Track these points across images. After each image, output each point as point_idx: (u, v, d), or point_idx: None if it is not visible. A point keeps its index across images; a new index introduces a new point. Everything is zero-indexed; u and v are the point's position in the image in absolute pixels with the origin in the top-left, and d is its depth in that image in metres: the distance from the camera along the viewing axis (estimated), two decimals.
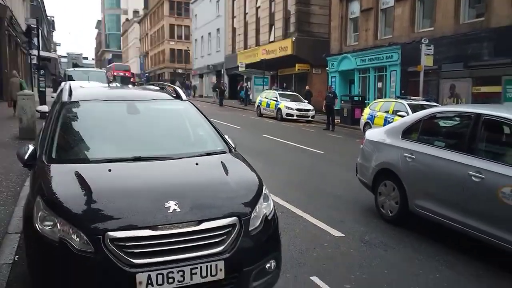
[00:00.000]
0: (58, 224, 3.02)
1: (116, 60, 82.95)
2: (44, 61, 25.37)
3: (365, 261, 4.88)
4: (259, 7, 39.61)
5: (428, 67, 19.34)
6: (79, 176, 3.40)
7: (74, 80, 16.87)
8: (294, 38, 32.22)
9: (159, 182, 3.50)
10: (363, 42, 26.82)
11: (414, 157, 5.94)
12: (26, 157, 3.91)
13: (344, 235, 5.69)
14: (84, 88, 5.14)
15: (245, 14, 42.97)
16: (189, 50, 64.76)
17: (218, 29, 50.60)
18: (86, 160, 3.77)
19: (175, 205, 3.17)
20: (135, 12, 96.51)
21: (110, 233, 2.95)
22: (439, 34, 20.47)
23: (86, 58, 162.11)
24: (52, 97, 17.44)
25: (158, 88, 5.68)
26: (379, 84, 25.55)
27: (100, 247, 2.92)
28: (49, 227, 3.05)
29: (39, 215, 3.12)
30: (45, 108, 10.04)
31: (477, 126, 5.28)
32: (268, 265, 3.43)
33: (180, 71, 66.53)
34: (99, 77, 20.06)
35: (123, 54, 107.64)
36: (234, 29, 46.30)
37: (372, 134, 7.35)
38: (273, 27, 36.92)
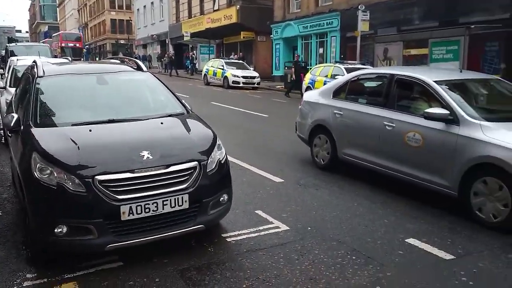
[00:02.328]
0: (54, 172, 3.82)
1: (52, 33, 77.89)
2: None
3: (299, 198, 6.01)
4: None
5: (365, 32, 20.61)
6: (65, 136, 4.19)
7: (16, 56, 16.79)
8: (238, 6, 32.67)
9: (133, 138, 4.35)
10: (305, 9, 27.80)
11: (342, 113, 7.03)
12: (12, 124, 4.62)
13: (283, 181, 6.78)
14: (54, 65, 5.82)
15: None
16: (131, 20, 63.30)
17: None
18: (68, 124, 4.50)
19: (148, 154, 4.04)
20: None
21: (97, 176, 3.79)
22: (375, 0, 21.72)
23: (20, 31, 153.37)
24: None
25: (118, 61, 6.44)
26: (321, 50, 26.77)
27: (91, 188, 3.77)
28: (47, 175, 3.84)
29: (37, 166, 3.90)
30: (0, 83, 10.39)
31: (391, 84, 6.42)
32: (221, 198, 4.42)
33: (122, 41, 64.93)
34: (43, 52, 19.86)
35: (60, 26, 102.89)
36: None
37: (309, 95, 8.43)
38: None
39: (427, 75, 6.08)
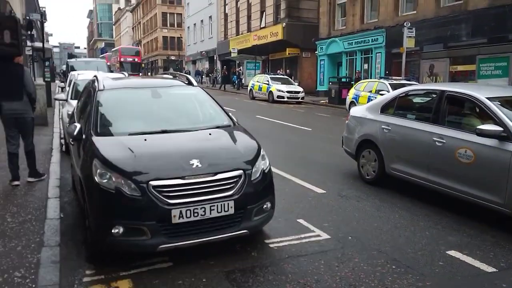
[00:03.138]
0: (113, 178, 4.18)
1: (108, 49, 79.59)
2: (39, 51, 26.11)
3: (340, 208, 6.15)
4: None
5: (410, 49, 20.47)
6: (123, 144, 4.56)
7: (75, 70, 17.78)
8: (284, 23, 33.18)
9: (184, 147, 4.68)
10: (350, 26, 27.91)
11: (390, 128, 7.03)
12: (75, 133, 5.05)
13: (325, 192, 6.93)
14: (113, 79, 6.28)
15: (237, 1, 43.78)
16: (181, 37, 65.36)
17: (210, 17, 51.37)
18: (125, 133, 4.89)
19: (197, 162, 4.34)
20: (127, 1, 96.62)
21: (152, 182, 4.12)
22: (421, 17, 21.64)
23: (78, 48, 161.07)
24: (59, 86, 18.46)
25: (171, 77, 6.86)
26: (365, 66, 26.76)
27: (145, 192, 4.09)
28: (106, 180, 4.20)
29: (97, 172, 4.27)
30: (62, 96, 11.07)
31: (441, 100, 6.37)
32: (265, 205, 4.65)
33: (173, 58, 67.01)
34: (101, 67, 20.89)
35: (116, 42, 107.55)
36: (226, 16, 47.08)
37: (356, 110, 8.47)
38: (264, 13, 37.85)
39: (479, 92, 6.01)
